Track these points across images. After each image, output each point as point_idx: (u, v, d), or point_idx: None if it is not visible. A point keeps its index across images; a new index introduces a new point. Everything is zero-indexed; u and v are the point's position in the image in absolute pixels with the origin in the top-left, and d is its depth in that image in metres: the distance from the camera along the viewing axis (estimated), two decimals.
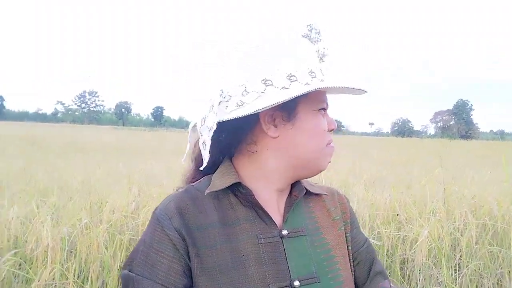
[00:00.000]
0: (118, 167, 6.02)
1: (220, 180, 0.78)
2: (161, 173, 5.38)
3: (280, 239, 0.78)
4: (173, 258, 0.73)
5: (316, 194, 0.89)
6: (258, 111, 0.72)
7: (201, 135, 0.78)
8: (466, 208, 2.89)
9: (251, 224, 0.77)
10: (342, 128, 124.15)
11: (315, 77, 0.78)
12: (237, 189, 0.79)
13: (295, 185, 0.85)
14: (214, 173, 0.83)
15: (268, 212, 0.79)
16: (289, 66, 0.77)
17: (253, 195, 0.78)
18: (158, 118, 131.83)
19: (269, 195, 0.81)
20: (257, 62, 0.77)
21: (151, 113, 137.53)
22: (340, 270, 0.83)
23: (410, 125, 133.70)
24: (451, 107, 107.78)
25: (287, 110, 0.77)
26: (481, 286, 2.52)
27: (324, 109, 0.82)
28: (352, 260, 0.89)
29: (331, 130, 0.83)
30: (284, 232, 0.79)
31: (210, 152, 0.77)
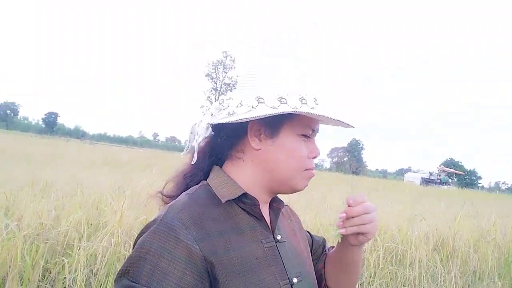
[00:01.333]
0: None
1: (227, 189, 0.85)
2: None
3: (275, 243, 0.88)
4: (186, 269, 0.72)
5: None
6: (242, 121, 0.83)
7: (197, 134, 0.89)
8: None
9: (254, 231, 0.85)
10: None
11: (305, 103, 0.84)
12: (242, 199, 0.85)
13: (273, 197, 0.95)
14: (205, 179, 0.90)
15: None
16: (283, 90, 0.85)
17: (258, 204, 0.87)
18: (51, 125, 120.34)
19: (261, 204, 0.89)
20: (255, 82, 0.87)
21: (42, 119, 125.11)
22: (308, 267, 0.97)
23: None
24: (346, 145, 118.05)
25: (271, 127, 0.86)
26: None
27: (308, 136, 0.88)
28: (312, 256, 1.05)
29: (313, 157, 0.89)
30: (278, 237, 0.90)
31: (205, 154, 0.90)
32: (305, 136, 0.88)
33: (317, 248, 1.11)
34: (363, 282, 2.80)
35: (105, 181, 5.15)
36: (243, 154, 0.89)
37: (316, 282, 0.97)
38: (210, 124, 0.89)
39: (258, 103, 0.84)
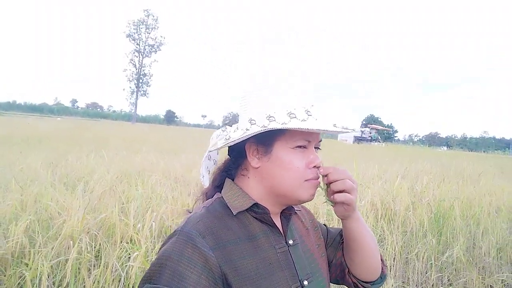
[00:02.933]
0: None
1: (238, 201, 0.92)
2: None
3: (287, 248, 0.94)
4: (202, 274, 0.78)
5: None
6: (233, 143, 0.91)
7: (210, 157, 1.02)
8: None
9: (267, 237, 0.91)
10: (176, 119, 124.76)
11: (294, 117, 0.88)
12: (253, 209, 0.92)
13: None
14: (219, 191, 0.97)
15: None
16: (271, 109, 0.89)
17: (269, 213, 0.93)
18: None
19: (272, 214, 0.96)
20: (247, 107, 0.93)
21: None
22: (320, 267, 1.02)
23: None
24: None
25: (265, 145, 0.91)
26: None
27: (304, 147, 0.91)
28: (327, 254, 1.10)
29: (314, 167, 0.91)
30: (290, 242, 0.96)
31: (221, 172, 0.99)
32: (301, 147, 0.90)
33: (334, 237, 1.13)
34: None
35: (38, 166, 4.68)
36: (247, 172, 0.95)
37: (328, 278, 1.04)
38: (209, 152, 0.98)
39: (251, 125, 0.90)
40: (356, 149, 22.96)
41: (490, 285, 3.96)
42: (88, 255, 2.03)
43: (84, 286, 1.95)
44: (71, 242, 2.09)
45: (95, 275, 1.94)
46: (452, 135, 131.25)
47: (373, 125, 68.74)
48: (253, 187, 0.94)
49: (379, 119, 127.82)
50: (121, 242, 2.23)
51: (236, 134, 0.92)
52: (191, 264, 0.78)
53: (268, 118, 0.89)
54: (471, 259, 4.04)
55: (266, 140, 0.90)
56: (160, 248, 0.86)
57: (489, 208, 4.64)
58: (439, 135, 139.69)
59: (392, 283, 3.20)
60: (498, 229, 4.46)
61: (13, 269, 1.92)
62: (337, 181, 0.90)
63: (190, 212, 0.95)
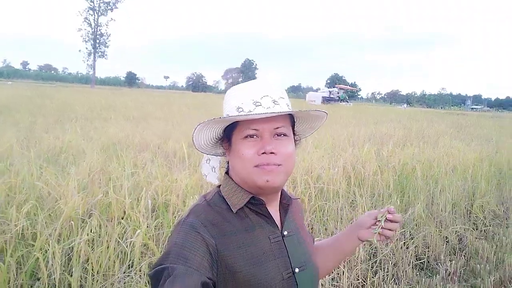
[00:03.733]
0: None
1: (236, 197, 1.00)
2: None
3: (282, 238, 1.02)
4: (204, 257, 0.86)
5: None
6: (196, 140, 1.00)
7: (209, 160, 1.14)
8: (306, 176, 3.77)
9: (262, 228, 1.00)
10: (137, 81, 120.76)
11: (242, 111, 0.96)
12: (250, 201, 1.00)
13: (282, 193, 1.08)
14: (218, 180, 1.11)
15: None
16: (228, 109, 1.00)
17: (265, 204, 1.01)
18: None
19: (269, 202, 1.03)
20: (223, 108, 1.05)
21: None
22: (312, 258, 1.11)
23: (204, 80, 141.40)
24: (239, 66, 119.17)
25: (228, 140, 1.02)
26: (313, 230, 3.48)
27: (255, 136, 0.96)
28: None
29: (263, 153, 0.95)
30: (285, 232, 1.04)
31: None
32: (252, 136, 0.96)
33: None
34: None
35: (14, 143, 4.58)
36: (229, 165, 1.06)
37: (318, 270, 1.12)
38: (203, 153, 1.11)
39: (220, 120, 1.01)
40: (325, 109, 23.33)
41: (446, 237, 4.46)
42: (92, 234, 2.17)
43: (87, 264, 2.10)
44: (72, 223, 2.21)
45: (100, 252, 2.08)
46: (412, 93, 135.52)
47: (341, 85, 68.94)
48: (234, 177, 1.03)
49: (343, 78, 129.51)
50: (119, 221, 2.38)
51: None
52: (194, 248, 0.87)
53: (226, 116, 0.98)
54: (430, 214, 4.49)
55: (228, 135, 1.01)
56: (169, 236, 0.95)
57: (446, 168, 5.09)
58: (400, 92, 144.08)
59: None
60: (453, 187, 4.94)
61: (20, 250, 2.03)
62: (397, 225, 1.11)
63: (204, 197, 1.05)
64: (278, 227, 1.04)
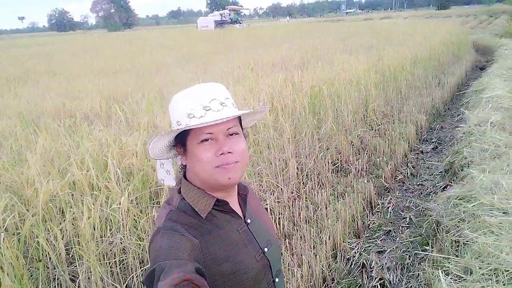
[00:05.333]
0: None
1: (201, 203, 1.06)
2: None
3: (247, 226, 1.13)
4: (191, 254, 0.93)
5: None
6: (150, 148, 1.05)
7: (162, 165, 1.19)
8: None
9: (230, 224, 1.09)
10: None
11: (193, 117, 1.01)
12: (215, 203, 1.07)
13: (238, 185, 1.16)
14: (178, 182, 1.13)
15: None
16: (177, 116, 1.05)
17: (228, 204, 1.10)
18: None
19: (227, 198, 1.11)
20: (170, 115, 1.10)
21: None
22: (272, 233, 1.24)
23: (69, 16, 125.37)
24: None
25: (182, 145, 1.07)
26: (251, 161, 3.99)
27: (210, 139, 1.02)
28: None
29: (221, 154, 1.01)
30: (248, 221, 1.15)
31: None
32: (208, 140, 1.02)
33: None
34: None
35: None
36: (186, 169, 1.12)
37: (279, 241, 1.26)
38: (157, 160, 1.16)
39: (170, 129, 1.07)
40: (220, 36, 22.76)
41: (351, 141, 5.35)
42: (73, 213, 2.31)
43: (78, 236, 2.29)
44: (51, 205, 2.31)
45: (88, 222, 2.25)
46: (292, 4, 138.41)
47: (232, 6, 66.25)
48: (194, 179, 1.08)
49: None
50: (92, 193, 2.52)
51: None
52: (181, 248, 0.92)
53: (177, 123, 1.04)
54: (337, 125, 5.29)
55: (182, 140, 1.06)
56: (149, 248, 0.98)
57: (344, 83, 5.87)
58: (281, 5, 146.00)
59: (290, 158, 4.19)
60: (352, 98, 5.78)
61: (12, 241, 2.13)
62: None
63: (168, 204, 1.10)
64: (241, 217, 1.14)
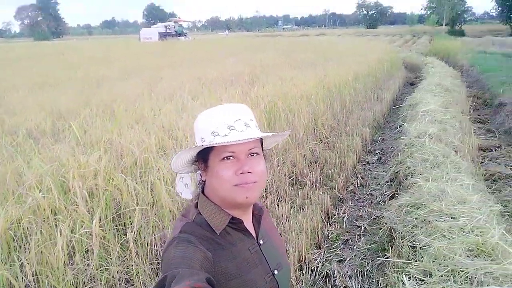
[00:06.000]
0: None
1: (217, 219, 1.09)
2: None
3: (259, 247, 1.15)
4: (202, 265, 0.96)
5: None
6: (173, 164, 1.10)
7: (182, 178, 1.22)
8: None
9: (242, 242, 1.11)
10: None
11: (217, 135, 1.04)
12: (230, 221, 1.10)
13: (254, 205, 1.19)
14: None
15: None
16: (202, 133, 1.08)
17: (243, 223, 1.12)
18: None
19: (244, 216, 1.14)
20: (195, 132, 1.13)
21: None
22: (284, 257, 1.25)
23: None
24: (35, 2, 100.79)
25: (204, 162, 1.10)
26: None
27: (231, 157, 1.05)
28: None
29: (241, 173, 1.04)
30: (261, 241, 1.16)
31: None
32: (229, 158, 1.05)
33: None
34: None
35: None
36: (205, 185, 1.15)
37: (289, 265, 1.27)
38: (178, 174, 1.20)
39: (193, 145, 1.11)
40: (165, 48, 22.10)
41: (304, 154, 5.53)
42: (38, 241, 2.13)
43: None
44: (11, 232, 2.09)
45: (54, 252, 2.09)
46: (230, 18, 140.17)
47: (177, 19, 64.64)
48: (212, 195, 1.11)
49: (160, 8, 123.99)
50: (55, 217, 2.34)
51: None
52: (194, 258, 0.94)
53: (201, 140, 1.08)
54: (292, 140, 5.43)
55: (204, 157, 1.09)
56: (162, 256, 1.00)
57: (296, 98, 6.07)
58: (220, 18, 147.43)
59: None
60: (303, 112, 5.98)
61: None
62: None
63: (184, 216, 1.12)
64: (254, 237, 1.16)
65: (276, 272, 1.14)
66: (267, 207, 4.15)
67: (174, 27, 54.33)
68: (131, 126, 3.71)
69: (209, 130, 1.05)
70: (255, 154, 1.07)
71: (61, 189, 2.51)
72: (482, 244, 2.87)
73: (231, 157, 1.04)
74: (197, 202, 1.13)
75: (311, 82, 6.90)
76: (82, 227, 2.24)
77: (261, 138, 1.13)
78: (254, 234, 1.16)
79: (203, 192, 1.14)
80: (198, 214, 1.09)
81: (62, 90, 7.52)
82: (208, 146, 1.04)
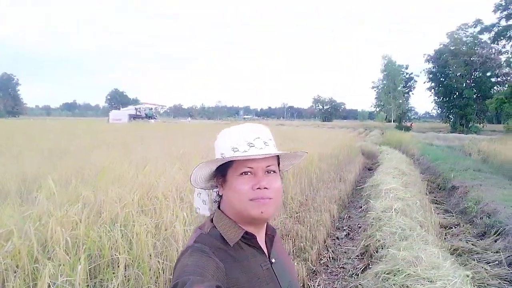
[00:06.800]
0: None
1: (231, 233, 1.11)
2: None
3: (271, 265, 1.16)
4: (214, 274, 0.96)
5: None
6: (193, 177, 1.13)
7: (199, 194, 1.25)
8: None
9: (255, 258, 1.13)
10: None
11: (237, 151, 1.09)
12: (243, 235, 1.12)
13: (267, 225, 1.21)
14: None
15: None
16: (223, 148, 1.13)
17: (256, 238, 1.14)
18: None
19: (257, 233, 1.16)
20: (215, 148, 1.19)
21: None
22: (296, 281, 1.26)
23: None
24: None
25: (223, 176, 1.13)
26: None
27: (249, 173, 1.08)
28: None
29: (258, 188, 1.07)
30: (273, 260, 1.17)
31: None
32: (247, 173, 1.09)
33: None
34: None
35: None
36: (222, 200, 1.19)
37: None
38: (196, 188, 1.22)
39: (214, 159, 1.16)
40: (135, 133, 22.05)
41: (276, 226, 5.52)
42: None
43: None
44: None
45: None
46: (193, 106, 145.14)
47: (148, 103, 65.87)
48: (228, 210, 1.14)
49: (124, 93, 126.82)
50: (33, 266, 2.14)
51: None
52: (207, 267, 0.96)
53: (221, 155, 1.12)
54: None
55: (223, 171, 1.12)
56: (176, 264, 1.02)
57: None
58: (182, 106, 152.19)
59: None
60: None
61: None
62: None
63: (200, 229, 1.15)
64: (266, 255, 1.17)
65: None
66: None
67: (144, 110, 55.49)
68: (112, 183, 3.63)
69: (230, 146, 1.10)
70: (272, 172, 1.11)
71: (41, 236, 2.36)
72: None
73: (249, 173, 1.08)
74: (213, 217, 1.16)
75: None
76: (62, 275, 2.08)
77: (278, 158, 1.17)
78: (266, 252, 1.17)
79: (219, 207, 1.17)
80: (213, 228, 1.11)
81: (26, 160, 7.24)
82: (228, 160, 1.08)
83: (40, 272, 2.06)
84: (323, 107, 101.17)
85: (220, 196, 1.17)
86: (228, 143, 1.11)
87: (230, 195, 1.10)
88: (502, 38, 39.97)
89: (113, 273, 2.34)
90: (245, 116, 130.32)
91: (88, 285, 2.30)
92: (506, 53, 42.78)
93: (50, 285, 1.98)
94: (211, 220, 1.15)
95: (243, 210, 1.08)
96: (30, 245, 2.24)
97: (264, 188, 1.07)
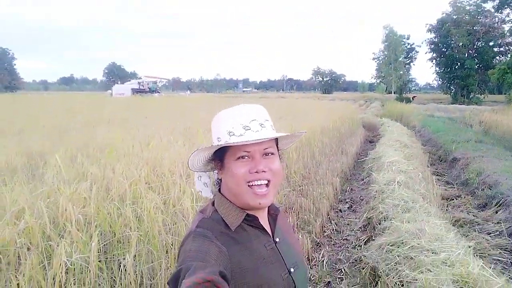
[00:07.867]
0: None
1: (232, 216, 1.11)
2: None
3: (275, 244, 1.16)
4: (217, 259, 0.97)
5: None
6: (191, 162, 1.12)
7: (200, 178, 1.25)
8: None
9: (258, 238, 1.13)
10: None
11: (233, 135, 1.07)
12: (245, 217, 1.12)
13: (271, 205, 1.20)
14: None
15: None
16: (219, 132, 1.11)
17: (258, 219, 1.14)
18: None
19: (257, 215, 1.15)
20: (212, 131, 1.16)
21: None
22: (301, 257, 1.26)
23: None
24: None
25: (220, 160, 1.13)
26: None
27: (246, 157, 1.07)
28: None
29: (255, 172, 1.07)
30: (277, 239, 1.18)
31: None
32: (244, 157, 1.08)
33: None
34: None
35: None
36: (221, 183, 1.19)
37: (307, 268, 1.46)
38: (196, 172, 1.22)
39: (211, 144, 1.15)
40: (139, 103, 21.85)
41: (280, 200, 5.58)
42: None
43: None
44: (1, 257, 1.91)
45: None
46: (191, 79, 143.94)
47: (151, 76, 63.40)
48: (228, 194, 1.14)
49: (122, 67, 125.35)
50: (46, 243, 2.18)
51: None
52: (209, 252, 0.96)
53: (217, 139, 1.10)
54: None
55: (220, 156, 1.12)
56: (179, 250, 1.04)
57: None
58: (181, 79, 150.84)
59: None
60: None
61: None
62: None
63: (202, 213, 1.15)
64: (270, 235, 1.18)
65: (292, 270, 1.15)
66: None
67: (148, 83, 54.13)
68: (118, 160, 3.64)
69: (225, 130, 1.08)
70: (270, 154, 1.10)
71: (51, 214, 2.39)
72: (466, 275, 2.98)
73: (246, 157, 1.07)
74: (214, 200, 1.16)
75: (282, 132, 7.11)
76: (76, 252, 2.12)
77: (277, 138, 1.15)
78: (270, 232, 1.18)
79: (220, 190, 1.17)
80: (215, 211, 1.12)
81: (31, 136, 7.25)
82: (224, 145, 1.07)
83: (54, 250, 2.09)
84: (323, 79, 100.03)
85: (220, 180, 1.18)
86: (223, 126, 1.09)
87: (228, 179, 1.10)
88: (506, 6, 39.13)
89: (125, 248, 2.38)
90: (245, 89, 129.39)
91: (100, 261, 2.34)
92: (510, 22, 42.00)
93: (66, 263, 2.01)
94: (213, 204, 1.15)
95: (240, 194, 1.08)
96: (42, 223, 2.27)
97: (262, 171, 1.07)
